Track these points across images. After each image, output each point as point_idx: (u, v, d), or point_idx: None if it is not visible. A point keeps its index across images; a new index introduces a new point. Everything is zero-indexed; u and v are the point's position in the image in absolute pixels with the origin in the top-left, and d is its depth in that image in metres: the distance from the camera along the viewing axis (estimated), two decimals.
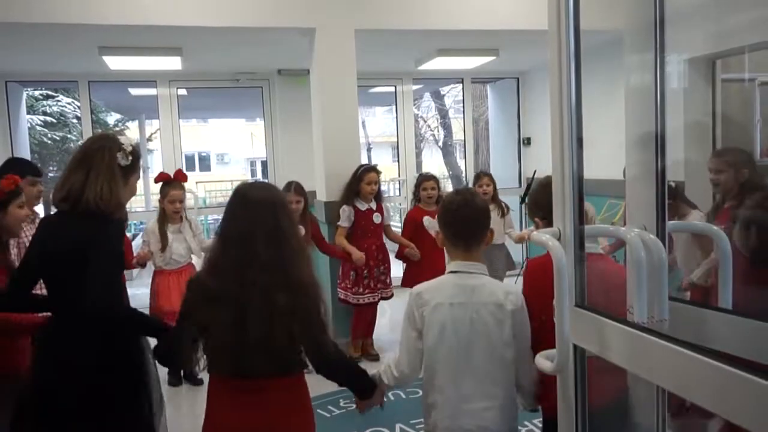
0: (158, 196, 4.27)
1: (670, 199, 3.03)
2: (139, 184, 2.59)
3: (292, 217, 2.00)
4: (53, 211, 2.29)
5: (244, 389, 1.86)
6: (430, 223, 4.53)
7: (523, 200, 6.46)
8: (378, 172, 4.56)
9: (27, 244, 3.30)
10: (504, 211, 4.94)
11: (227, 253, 1.87)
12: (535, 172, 6.00)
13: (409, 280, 4.62)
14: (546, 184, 2.00)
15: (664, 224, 1.44)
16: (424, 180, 4.77)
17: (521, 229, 5.85)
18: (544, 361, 1.45)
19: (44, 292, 2.28)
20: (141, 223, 8.31)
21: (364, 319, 4.63)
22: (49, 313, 2.25)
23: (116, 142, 2.17)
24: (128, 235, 5.72)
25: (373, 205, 4.54)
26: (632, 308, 1.36)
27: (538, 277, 2.00)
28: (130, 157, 2.17)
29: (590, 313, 1.35)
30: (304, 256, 1.98)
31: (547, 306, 1.85)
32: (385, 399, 2.14)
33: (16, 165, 3.56)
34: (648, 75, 1.47)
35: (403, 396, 3.90)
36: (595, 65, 4.76)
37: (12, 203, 2.51)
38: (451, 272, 2.00)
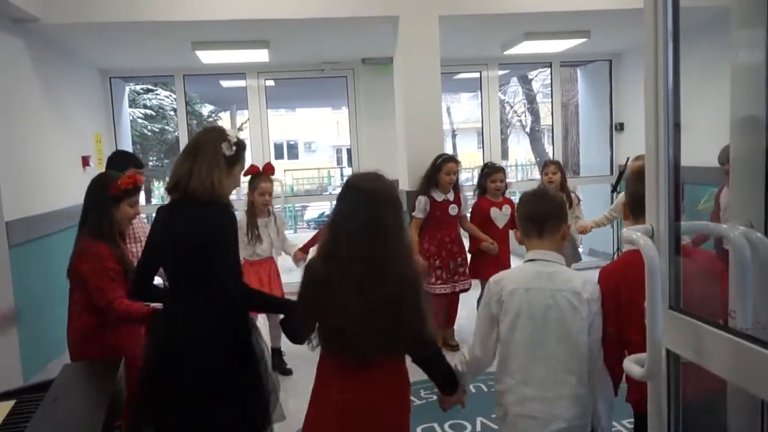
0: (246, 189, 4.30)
1: None
2: None
3: (395, 207, 1.95)
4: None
5: (352, 368, 1.88)
6: (498, 215, 4.61)
7: (614, 189, 6.14)
8: (457, 162, 4.49)
9: (138, 239, 3.49)
10: (572, 202, 4.80)
11: (336, 241, 1.88)
12: (628, 159, 5.67)
13: (474, 271, 4.60)
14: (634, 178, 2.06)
15: None
16: (494, 172, 4.67)
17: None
18: (633, 366, 1.34)
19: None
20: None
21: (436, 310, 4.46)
22: (158, 305, 2.35)
23: (223, 133, 2.23)
24: None
25: (451, 196, 4.46)
26: (734, 312, 1.23)
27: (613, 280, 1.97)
28: (234, 148, 2.21)
29: (685, 317, 1.23)
30: (405, 249, 1.96)
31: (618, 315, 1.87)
32: (466, 397, 2.14)
33: (120, 157, 3.77)
34: (760, 52, 1.31)
35: (485, 389, 3.83)
36: (695, 43, 4.42)
37: (125, 200, 2.62)
38: (528, 260, 2.00)
